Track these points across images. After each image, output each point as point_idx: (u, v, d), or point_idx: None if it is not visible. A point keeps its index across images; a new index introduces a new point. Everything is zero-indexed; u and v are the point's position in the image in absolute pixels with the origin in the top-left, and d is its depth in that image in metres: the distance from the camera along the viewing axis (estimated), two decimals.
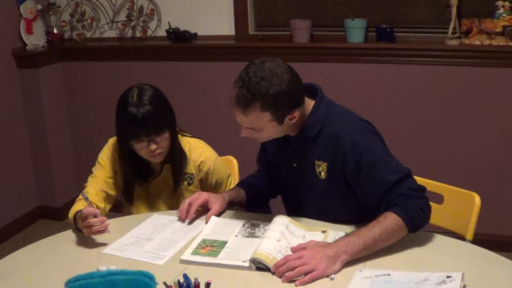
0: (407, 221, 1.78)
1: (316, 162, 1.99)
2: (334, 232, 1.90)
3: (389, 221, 1.77)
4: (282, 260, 1.70)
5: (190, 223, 2.07)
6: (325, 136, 1.96)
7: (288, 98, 1.86)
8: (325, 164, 1.97)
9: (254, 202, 2.22)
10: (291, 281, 1.66)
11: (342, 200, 2.01)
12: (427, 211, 1.83)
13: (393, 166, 1.89)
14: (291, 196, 2.15)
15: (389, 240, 1.78)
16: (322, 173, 1.99)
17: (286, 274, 1.66)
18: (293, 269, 1.67)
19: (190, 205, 2.07)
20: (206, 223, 2.04)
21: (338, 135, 1.93)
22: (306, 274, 1.66)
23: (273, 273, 1.71)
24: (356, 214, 1.99)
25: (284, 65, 1.89)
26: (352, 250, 1.73)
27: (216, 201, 2.09)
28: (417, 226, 1.81)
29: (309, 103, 1.99)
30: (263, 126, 1.90)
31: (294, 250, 1.76)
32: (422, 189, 1.88)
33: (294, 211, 2.08)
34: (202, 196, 2.09)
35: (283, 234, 1.87)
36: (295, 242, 1.85)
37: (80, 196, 2.17)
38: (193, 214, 2.07)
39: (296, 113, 1.91)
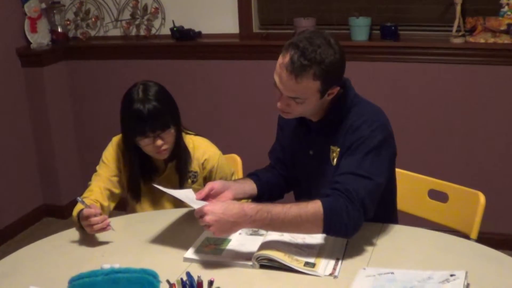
0: (327, 218, 1.73)
1: (332, 147, 1.97)
2: None
3: (309, 209, 1.73)
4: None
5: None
6: (346, 123, 1.93)
7: (339, 69, 1.86)
8: (338, 149, 1.95)
9: (265, 195, 2.15)
10: None
11: None
12: (351, 225, 1.75)
13: (373, 167, 1.83)
14: (304, 187, 2.13)
15: (298, 229, 1.77)
16: (335, 160, 1.96)
17: None
18: None
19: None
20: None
21: (357, 125, 1.90)
22: None
23: (279, 269, 1.71)
24: None
25: (333, 37, 1.86)
26: (256, 224, 1.75)
27: (227, 190, 2.02)
28: (332, 230, 1.75)
29: (337, 91, 1.97)
30: (308, 96, 1.85)
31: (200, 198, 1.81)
32: (367, 207, 1.78)
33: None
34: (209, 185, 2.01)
35: None
36: (299, 236, 1.85)
37: (84, 195, 2.18)
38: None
39: (336, 89, 1.90)
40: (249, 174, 2.20)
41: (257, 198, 2.11)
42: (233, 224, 1.74)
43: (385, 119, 1.96)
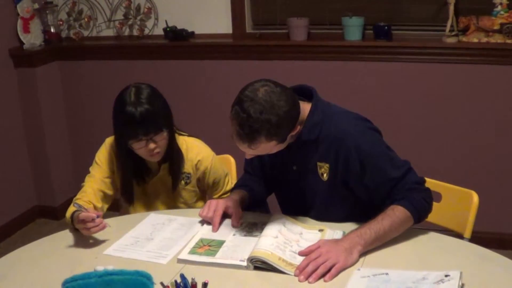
0: (414, 213, 1.85)
1: (318, 164, 1.98)
2: (331, 231, 1.91)
3: (398, 213, 1.83)
4: (303, 262, 1.72)
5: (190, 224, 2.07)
6: (325, 137, 1.94)
7: (289, 120, 1.85)
8: (327, 165, 1.97)
9: (254, 205, 2.21)
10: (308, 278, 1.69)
11: (343, 200, 2.01)
12: (430, 202, 1.93)
13: (396, 161, 1.94)
14: (291, 199, 2.13)
15: (398, 231, 1.84)
16: (325, 175, 1.98)
17: (314, 273, 1.68)
18: (317, 267, 1.69)
19: (214, 212, 2.03)
20: (233, 225, 2.01)
21: (340, 137, 1.92)
22: (330, 268, 1.69)
23: (273, 271, 1.71)
24: (354, 214, 1.99)
25: (276, 88, 1.83)
26: (365, 242, 1.77)
27: (235, 206, 2.06)
28: (422, 216, 1.90)
29: (305, 107, 1.95)
30: (269, 150, 1.90)
31: (305, 252, 1.77)
32: (424, 180, 1.96)
33: (293, 213, 2.07)
34: (221, 204, 2.04)
35: (280, 231, 1.87)
36: (293, 238, 1.85)
37: (77, 196, 2.18)
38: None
39: (298, 127, 1.91)
40: (241, 186, 2.22)
41: (247, 208, 2.14)
42: (351, 250, 1.75)
43: (356, 116, 2.00)
